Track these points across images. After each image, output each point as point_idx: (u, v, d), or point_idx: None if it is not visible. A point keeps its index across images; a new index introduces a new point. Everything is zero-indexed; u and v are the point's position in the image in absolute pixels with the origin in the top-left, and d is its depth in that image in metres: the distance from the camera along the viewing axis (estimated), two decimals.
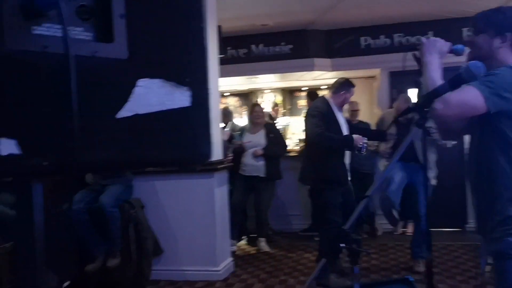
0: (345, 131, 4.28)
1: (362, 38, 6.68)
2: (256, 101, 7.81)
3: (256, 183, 5.48)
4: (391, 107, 6.00)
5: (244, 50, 6.85)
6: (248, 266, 4.97)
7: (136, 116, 0.69)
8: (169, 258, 4.69)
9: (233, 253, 5.16)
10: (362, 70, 6.95)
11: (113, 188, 4.32)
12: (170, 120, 0.72)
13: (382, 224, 6.01)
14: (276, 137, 5.63)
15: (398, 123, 4.65)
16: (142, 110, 0.69)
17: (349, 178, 4.34)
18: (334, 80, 4.57)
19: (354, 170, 5.57)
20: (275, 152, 5.55)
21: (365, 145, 4.06)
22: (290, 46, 6.67)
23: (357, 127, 5.56)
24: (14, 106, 0.59)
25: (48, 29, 0.63)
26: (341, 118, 4.35)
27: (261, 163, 5.45)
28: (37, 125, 0.60)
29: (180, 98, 0.74)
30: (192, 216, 4.63)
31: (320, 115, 4.17)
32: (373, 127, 5.84)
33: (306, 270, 4.67)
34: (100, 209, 4.24)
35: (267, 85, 7.99)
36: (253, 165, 5.43)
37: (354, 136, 4.10)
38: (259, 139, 5.46)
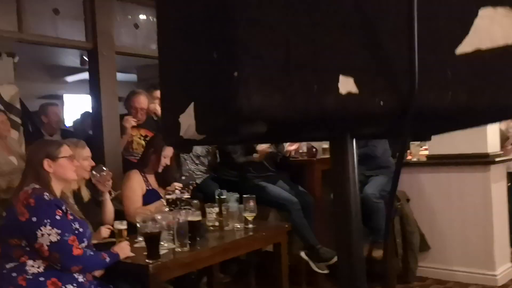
0: None
1: None
2: None
3: None
4: None
5: None
6: None
7: (478, 52, 0.58)
8: (437, 256, 4.40)
9: None
10: None
11: (377, 179, 4.29)
12: None
13: None
14: None
15: None
16: (484, 45, 0.58)
17: None
18: None
19: None
20: None
21: None
22: None
23: None
24: (349, 44, 0.55)
25: None
26: None
27: None
28: (374, 62, 0.55)
29: None
30: (464, 213, 4.23)
31: None
32: None
33: None
34: (365, 199, 4.25)
35: None
36: None
37: None
38: None
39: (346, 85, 0.53)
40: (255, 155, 4.23)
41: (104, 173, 2.96)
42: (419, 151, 4.80)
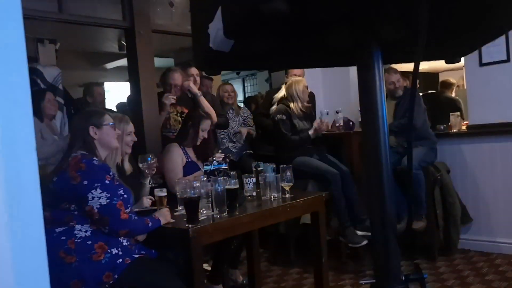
0: None
1: None
2: None
3: None
4: None
5: None
6: None
7: None
8: (480, 228, 4.30)
9: None
10: None
11: (417, 150, 4.22)
12: None
13: None
14: None
15: None
16: None
17: None
18: None
19: None
20: None
21: None
22: None
23: None
24: None
25: None
26: None
27: None
28: None
29: None
30: (509, 183, 4.11)
31: None
32: None
33: None
34: (404, 170, 4.20)
35: None
36: None
37: None
38: None
39: None
40: (310, 132, 4.28)
41: (152, 161, 3.05)
42: (460, 123, 4.68)
